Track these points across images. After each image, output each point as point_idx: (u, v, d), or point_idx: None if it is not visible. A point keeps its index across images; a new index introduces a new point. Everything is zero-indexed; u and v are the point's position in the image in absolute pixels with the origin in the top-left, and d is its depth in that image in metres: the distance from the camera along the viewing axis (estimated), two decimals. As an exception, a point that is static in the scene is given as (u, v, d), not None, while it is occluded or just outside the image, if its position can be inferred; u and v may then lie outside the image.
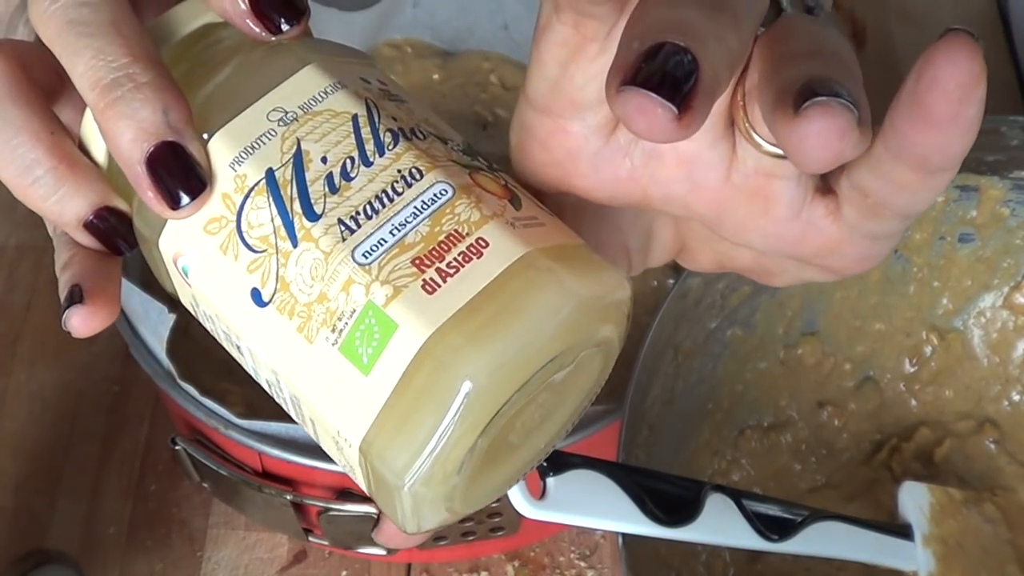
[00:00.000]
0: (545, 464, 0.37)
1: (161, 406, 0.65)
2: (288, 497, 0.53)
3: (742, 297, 0.53)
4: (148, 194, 0.28)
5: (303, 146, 0.29)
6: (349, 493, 0.53)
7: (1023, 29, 0.80)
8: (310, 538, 0.58)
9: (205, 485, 0.58)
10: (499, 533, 0.56)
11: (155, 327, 0.53)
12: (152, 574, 0.60)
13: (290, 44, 0.31)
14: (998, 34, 0.82)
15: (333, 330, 0.27)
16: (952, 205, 0.55)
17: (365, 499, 0.53)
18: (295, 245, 0.28)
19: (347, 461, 0.28)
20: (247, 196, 0.28)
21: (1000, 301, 0.57)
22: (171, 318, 0.52)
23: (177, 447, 0.55)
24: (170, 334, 0.52)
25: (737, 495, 0.42)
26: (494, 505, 0.53)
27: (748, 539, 0.42)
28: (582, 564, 0.60)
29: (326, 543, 0.58)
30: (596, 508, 0.39)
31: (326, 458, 0.51)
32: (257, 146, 0.29)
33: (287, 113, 0.29)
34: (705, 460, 0.55)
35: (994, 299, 0.57)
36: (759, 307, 0.54)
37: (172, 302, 0.62)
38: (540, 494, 0.37)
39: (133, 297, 0.54)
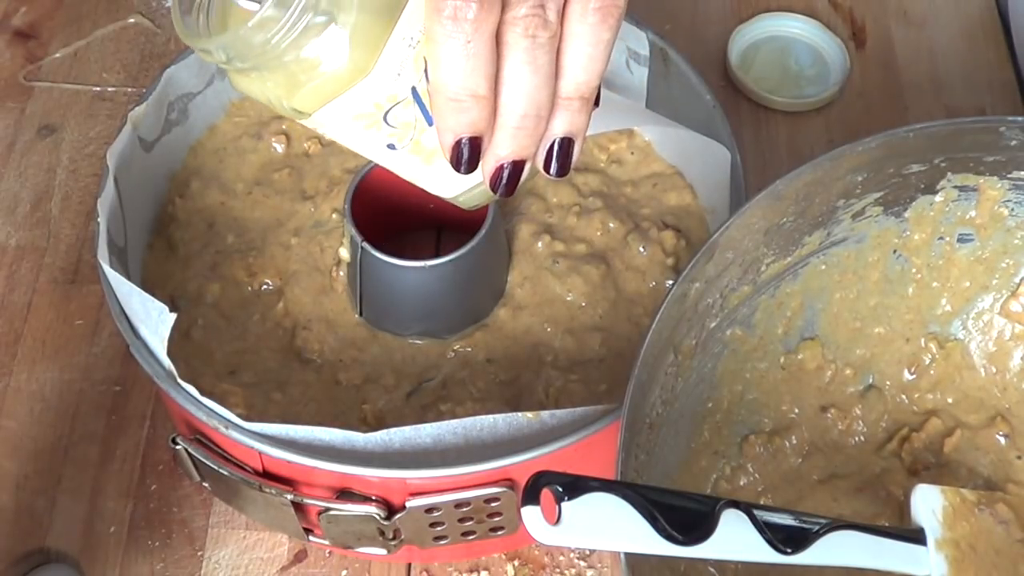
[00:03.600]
0: (560, 489, 0.38)
1: (161, 406, 0.65)
2: (288, 497, 0.53)
3: (741, 297, 0.53)
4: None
5: (426, 62, 0.41)
6: (349, 493, 0.53)
7: (1023, 29, 0.80)
8: (310, 538, 0.58)
9: (205, 485, 0.58)
10: (499, 533, 0.56)
11: (155, 327, 0.53)
12: (152, 574, 0.60)
13: None
14: (998, 34, 0.82)
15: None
16: (951, 205, 0.55)
17: (365, 499, 0.53)
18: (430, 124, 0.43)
19: None
20: (397, 104, 0.42)
21: (998, 306, 0.57)
22: (171, 318, 0.52)
23: (177, 447, 0.55)
24: (170, 334, 0.52)
25: (750, 509, 0.42)
26: (494, 505, 0.53)
27: (763, 554, 0.42)
28: (582, 564, 0.60)
29: (326, 543, 0.58)
30: (612, 531, 0.39)
31: (326, 458, 0.51)
32: (400, 72, 0.41)
33: (413, 39, 0.40)
34: (706, 460, 0.55)
35: (992, 300, 0.57)
36: (759, 307, 0.54)
37: (172, 302, 0.62)
38: (555, 519, 0.38)
39: (133, 297, 0.54)
